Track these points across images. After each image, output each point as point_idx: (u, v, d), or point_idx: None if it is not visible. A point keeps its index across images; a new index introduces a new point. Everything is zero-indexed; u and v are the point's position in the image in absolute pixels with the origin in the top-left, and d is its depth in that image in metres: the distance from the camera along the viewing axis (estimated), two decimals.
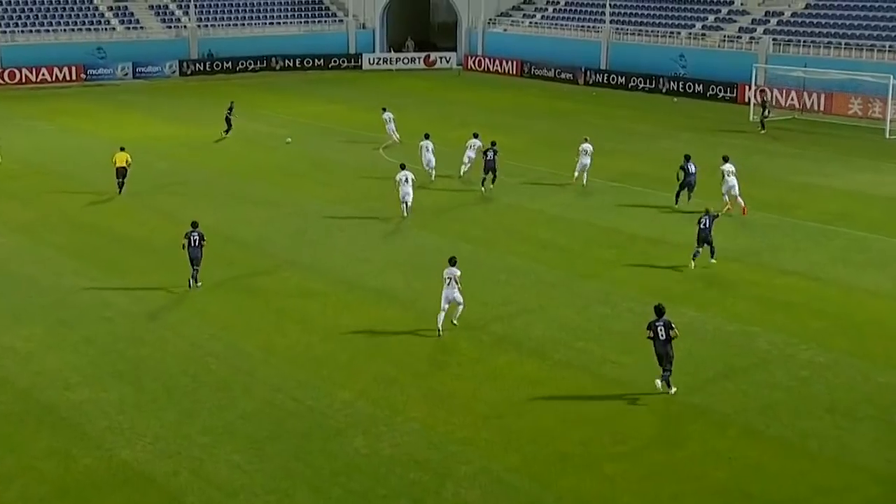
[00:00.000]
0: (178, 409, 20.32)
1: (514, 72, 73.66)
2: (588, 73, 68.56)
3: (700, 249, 29.06)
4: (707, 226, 28.78)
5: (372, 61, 77.62)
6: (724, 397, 20.78)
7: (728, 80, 60.75)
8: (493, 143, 38.72)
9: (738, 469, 18.25)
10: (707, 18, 67.85)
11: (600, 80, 67.74)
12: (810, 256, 30.29)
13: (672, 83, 63.82)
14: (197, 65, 73.68)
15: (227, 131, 48.95)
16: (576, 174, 39.06)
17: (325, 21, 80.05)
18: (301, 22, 79.26)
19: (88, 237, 32.66)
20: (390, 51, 79.70)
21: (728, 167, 34.81)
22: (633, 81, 65.79)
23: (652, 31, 68.47)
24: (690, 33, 66.83)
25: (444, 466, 18.26)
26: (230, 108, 49.71)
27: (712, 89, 61.54)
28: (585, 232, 32.99)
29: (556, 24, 74.81)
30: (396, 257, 30.29)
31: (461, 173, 40.27)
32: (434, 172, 39.56)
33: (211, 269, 29.05)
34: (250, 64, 74.70)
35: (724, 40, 64.78)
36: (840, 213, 34.90)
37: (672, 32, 67.47)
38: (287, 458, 18.52)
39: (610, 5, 70.70)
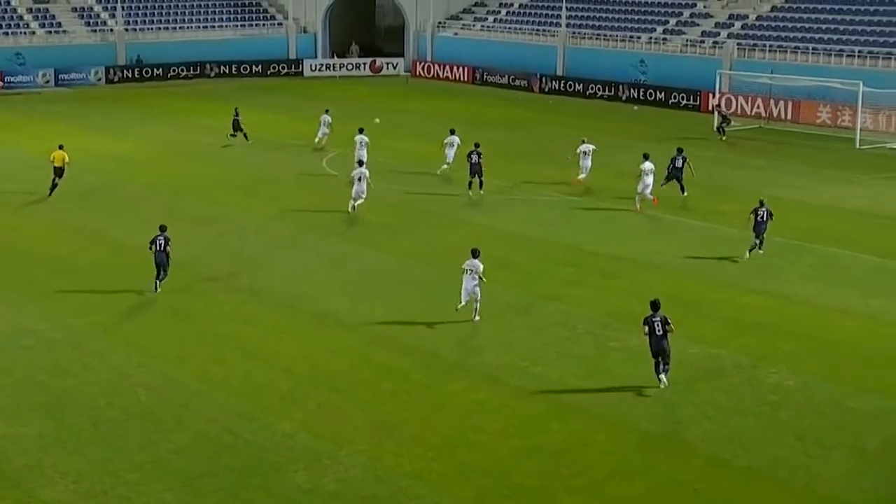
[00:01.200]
0: (105, 445, 20.07)
1: (466, 78, 74.00)
2: (544, 79, 69.05)
3: (758, 241, 31.52)
4: (764, 218, 31.38)
5: (314, 67, 77.61)
6: (688, 425, 20.93)
7: (691, 86, 61.48)
8: (477, 145, 39.96)
9: (704, 501, 18.35)
10: (668, 22, 68.63)
11: (556, 88, 68.27)
12: (779, 274, 30.64)
13: (632, 90, 64.43)
14: (125, 72, 73.24)
15: (244, 135, 50.07)
16: (582, 175, 40.82)
17: (263, 24, 79.93)
18: (237, 25, 79.06)
19: (5, 257, 32.23)
20: (333, 56, 79.76)
21: (647, 166, 36.89)
22: (591, 88, 66.37)
23: (610, 36, 69.13)
24: (651, 38, 67.55)
25: (392, 502, 18.20)
26: (236, 113, 50.54)
27: (674, 97, 62.24)
28: (542, 249, 33.12)
29: (509, 28, 75.30)
30: (341, 278, 30.23)
31: (440, 171, 42.37)
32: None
33: (140, 290, 28.82)
34: (182, 70, 74.39)
35: (687, 45, 65.58)
36: (809, 228, 35.36)
37: (632, 37, 68.18)
38: (223, 496, 18.36)
39: (566, 8, 71.31)
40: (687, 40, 65.88)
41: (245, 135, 50.37)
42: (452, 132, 43.27)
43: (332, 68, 77.73)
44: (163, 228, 28.87)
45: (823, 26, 61.18)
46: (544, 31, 72.96)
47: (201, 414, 21.36)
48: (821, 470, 19.21)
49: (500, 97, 67.05)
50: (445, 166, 42.53)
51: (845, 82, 52.08)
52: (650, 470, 19.33)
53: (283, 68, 77.07)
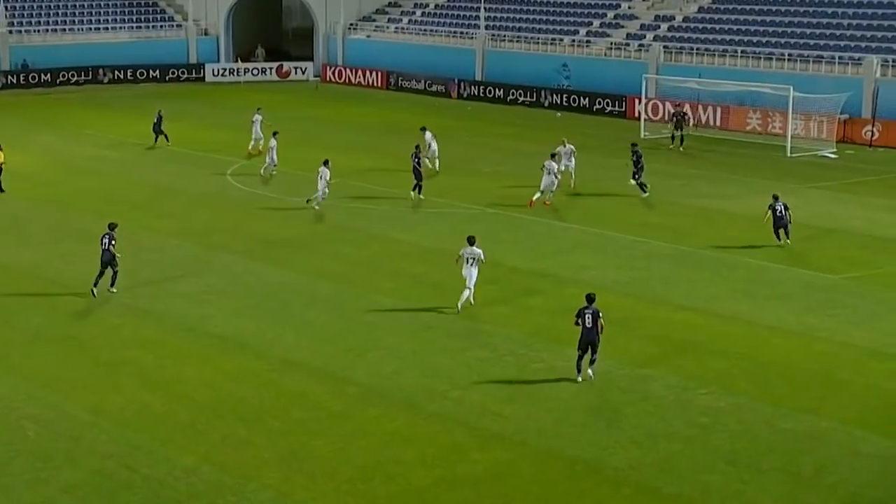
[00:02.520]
0: None
1: (379, 84, 74.07)
2: (462, 84, 69.40)
3: (784, 232, 34.79)
4: (782, 212, 34.54)
5: (216, 72, 77.15)
6: (616, 451, 21.12)
7: (616, 92, 62.20)
8: (417, 147, 41.82)
9: None
10: (592, 24, 69.42)
11: (475, 93, 68.64)
12: (708, 289, 31.10)
13: (555, 96, 65.00)
14: (9, 77, 72.14)
15: (164, 137, 51.67)
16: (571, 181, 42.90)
17: (161, 26, 79.24)
18: (132, 27, 78.31)
19: None
20: (237, 60, 79.33)
21: (550, 164, 40.02)
22: (512, 94, 66.85)
23: (532, 38, 69.72)
24: (574, 40, 68.25)
25: None
26: (159, 118, 51.67)
27: (599, 103, 62.94)
28: None
29: (425, 30, 75.55)
30: (246, 299, 30.03)
31: (436, 166, 45.60)
32: (274, 171, 44.73)
33: (27, 316, 28.40)
34: (73, 76, 73.51)
35: (611, 48, 66.36)
36: (739, 241, 35.95)
37: (554, 39, 68.81)
38: None
39: (485, 9, 71.74)
40: (611, 43, 66.67)
41: (166, 136, 51.58)
42: (424, 130, 46.44)
43: (235, 73, 77.31)
44: (111, 226, 30.06)
45: (752, 28, 62.34)
46: (462, 33, 73.32)
47: (95, 449, 21.04)
48: (754, 496, 19.50)
49: (415, 103, 67.17)
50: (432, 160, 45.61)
51: (776, 87, 53.08)
52: (577, 499, 19.47)
53: (183, 73, 76.47)
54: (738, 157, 51.04)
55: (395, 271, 32.72)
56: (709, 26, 64.38)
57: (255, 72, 77.87)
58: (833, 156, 51.13)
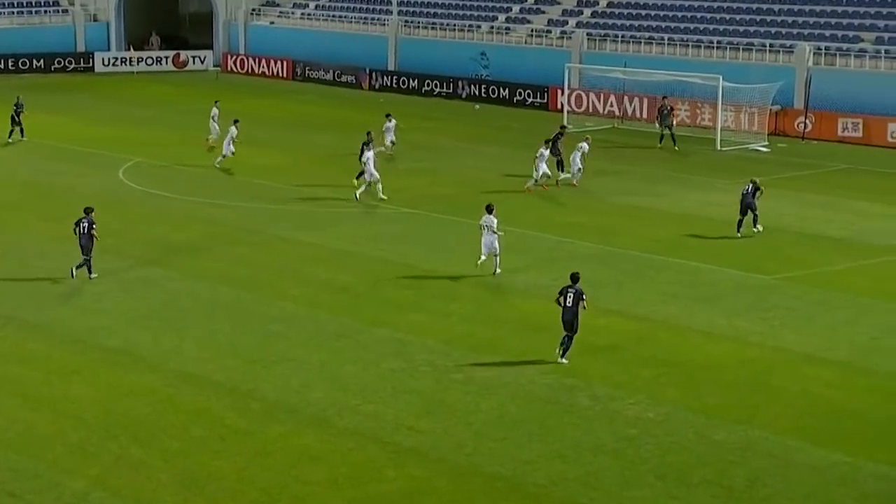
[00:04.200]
0: None
1: (285, 74, 73.84)
2: (374, 75, 69.42)
3: (742, 218, 36.49)
4: (749, 191, 36.38)
5: (107, 62, 76.44)
6: (539, 465, 21.28)
7: (537, 82, 62.63)
8: (369, 134, 42.74)
9: None
10: (511, 9, 69.83)
11: (388, 84, 68.70)
12: (636, 292, 31.43)
13: (473, 87, 65.26)
14: None
15: (10, 134, 51.39)
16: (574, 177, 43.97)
17: (45, 12, 78.29)
18: (13, 13, 77.28)
19: None
20: (130, 49, 78.54)
21: (541, 152, 42.17)
22: (428, 85, 67.03)
23: (448, 25, 69.94)
24: (492, 27, 68.60)
25: None
26: (18, 105, 51.61)
27: (519, 94, 63.33)
28: (375, 269, 33.23)
29: (333, 16, 75.47)
30: (140, 308, 29.77)
31: (387, 150, 47.70)
32: (221, 159, 45.88)
33: None
34: None
35: (532, 35, 66.80)
36: (668, 240, 36.39)
37: (471, 26, 69.10)
38: None
39: None
40: (532, 30, 67.10)
41: (22, 130, 51.10)
42: (389, 116, 49.02)
43: (128, 63, 76.58)
44: (87, 211, 31.57)
45: (680, 14, 63.13)
46: (373, 19, 73.30)
47: None
48: None
49: (324, 95, 67.05)
50: (383, 149, 46.61)
51: (705, 76, 53.73)
52: None
53: (70, 63, 75.66)
54: (665, 151, 51.55)
55: (302, 276, 32.61)
56: (634, 12, 65.06)
57: (150, 61, 77.17)
58: (765, 149, 51.94)
